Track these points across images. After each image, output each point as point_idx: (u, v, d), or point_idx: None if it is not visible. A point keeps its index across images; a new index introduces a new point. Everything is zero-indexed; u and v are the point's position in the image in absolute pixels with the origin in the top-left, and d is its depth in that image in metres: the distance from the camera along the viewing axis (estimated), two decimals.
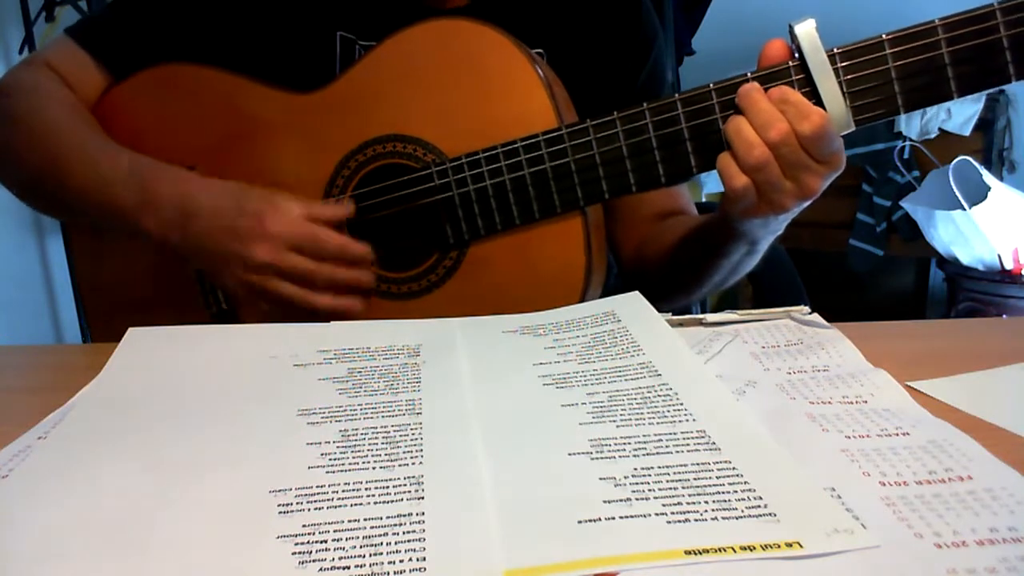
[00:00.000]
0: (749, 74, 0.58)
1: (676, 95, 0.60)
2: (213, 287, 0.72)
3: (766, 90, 0.57)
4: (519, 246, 0.66)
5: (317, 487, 0.36)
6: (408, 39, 0.67)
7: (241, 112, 0.71)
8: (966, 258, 1.99)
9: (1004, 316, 1.90)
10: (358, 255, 0.65)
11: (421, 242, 0.68)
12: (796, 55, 0.57)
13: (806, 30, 0.56)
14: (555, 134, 0.63)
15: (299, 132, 0.70)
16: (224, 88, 0.72)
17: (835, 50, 0.56)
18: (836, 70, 0.56)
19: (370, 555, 0.31)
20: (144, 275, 0.74)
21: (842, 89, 0.56)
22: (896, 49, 0.56)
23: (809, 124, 0.54)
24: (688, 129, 0.60)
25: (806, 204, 0.59)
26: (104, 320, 0.79)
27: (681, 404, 0.43)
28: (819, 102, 0.56)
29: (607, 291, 0.65)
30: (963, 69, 0.55)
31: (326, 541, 0.32)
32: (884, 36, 0.56)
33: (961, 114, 2.03)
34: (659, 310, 0.58)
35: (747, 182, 0.57)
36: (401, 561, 0.31)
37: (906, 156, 2.11)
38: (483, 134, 0.65)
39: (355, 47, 0.74)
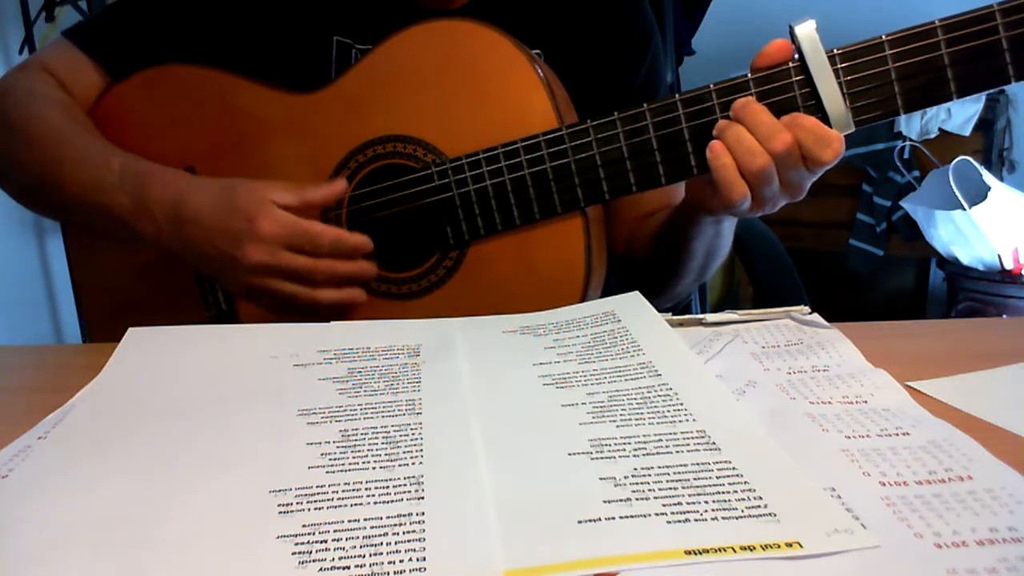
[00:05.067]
0: (749, 75, 0.58)
1: (677, 96, 0.60)
2: (212, 288, 0.72)
3: (767, 95, 0.57)
4: (519, 246, 0.66)
5: (317, 487, 0.36)
6: (407, 40, 0.67)
7: (240, 113, 0.71)
8: (966, 258, 1.99)
9: (1004, 316, 1.90)
10: (354, 245, 0.64)
11: (421, 242, 0.68)
12: (796, 55, 0.57)
13: (806, 31, 0.56)
14: (555, 134, 0.63)
15: (299, 132, 0.70)
16: (223, 89, 0.72)
17: (835, 51, 0.56)
18: (836, 71, 0.56)
19: (370, 555, 0.31)
20: (142, 278, 0.74)
21: (842, 90, 0.56)
22: (896, 50, 0.55)
23: (831, 151, 0.55)
24: (688, 130, 0.60)
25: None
26: (102, 323, 0.78)
27: (681, 404, 0.43)
28: (819, 103, 0.57)
29: (608, 291, 0.65)
30: (963, 70, 0.55)
31: (326, 541, 0.32)
32: (884, 37, 0.56)
33: (961, 114, 2.03)
34: (657, 307, 0.58)
35: (747, 192, 0.57)
36: (401, 561, 0.31)
37: (906, 156, 2.11)
38: (483, 134, 0.65)
39: (352, 51, 0.74)
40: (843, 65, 0.56)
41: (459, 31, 0.67)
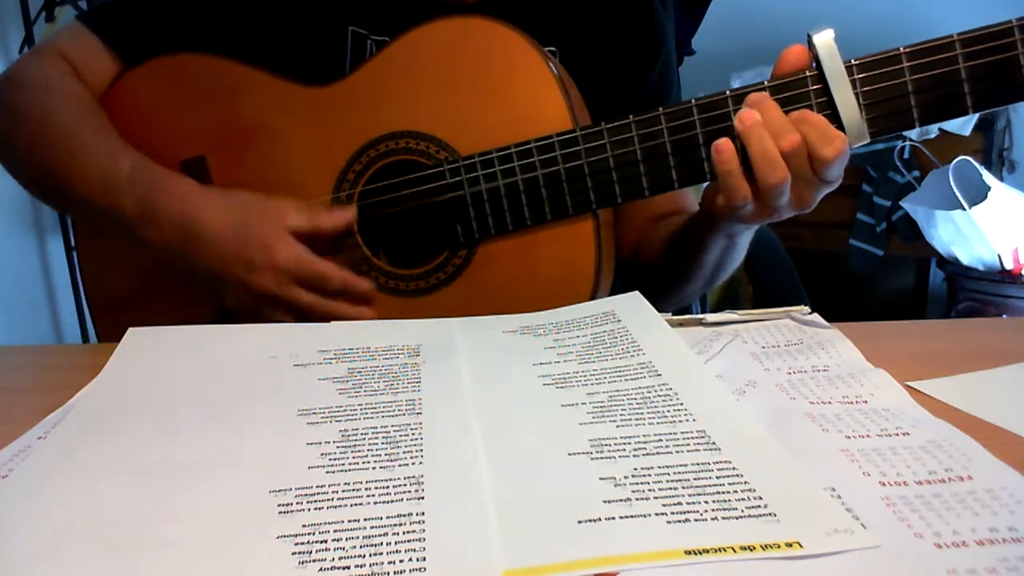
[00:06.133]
0: (766, 82, 0.58)
1: (692, 100, 0.60)
2: None
3: (783, 103, 0.57)
4: (529, 247, 0.66)
5: (317, 487, 0.36)
6: (423, 36, 0.67)
7: (253, 103, 0.71)
8: (966, 258, 1.99)
9: (1004, 316, 1.90)
10: (360, 291, 0.66)
11: (431, 240, 0.68)
12: (813, 64, 0.57)
13: (824, 40, 0.56)
14: (569, 136, 0.63)
15: (312, 125, 0.70)
16: (236, 79, 0.72)
17: (852, 61, 0.56)
18: (853, 81, 0.56)
19: (370, 555, 0.31)
20: (149, 269, 0.74)
21: (858, 100, 0.56)
22: (913, 63, 0.55)
23: (832, 149, 0.55)
24: (703, 135, 0.60)
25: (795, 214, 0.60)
26: (109, 314, 0.78)
27: (681, 404, 0.43)
28: (835, 113, 0.57)
29: (614, 293, 0.65)
30: (979, 85, 0.55)
31: (326, 541, 0.32)
32: (902, 49, 0.55)
33: None
34: (658, 310, 0.58)
35: (750, 196, 0.57)
36: (401, 561, 0.31)
37: (906, 156, 2.11)
38: (497, 133, 0.65)
39: (367, 42, 0.74)
40: (860, 76, 0.56)
41: (473, 28, 0.67)
